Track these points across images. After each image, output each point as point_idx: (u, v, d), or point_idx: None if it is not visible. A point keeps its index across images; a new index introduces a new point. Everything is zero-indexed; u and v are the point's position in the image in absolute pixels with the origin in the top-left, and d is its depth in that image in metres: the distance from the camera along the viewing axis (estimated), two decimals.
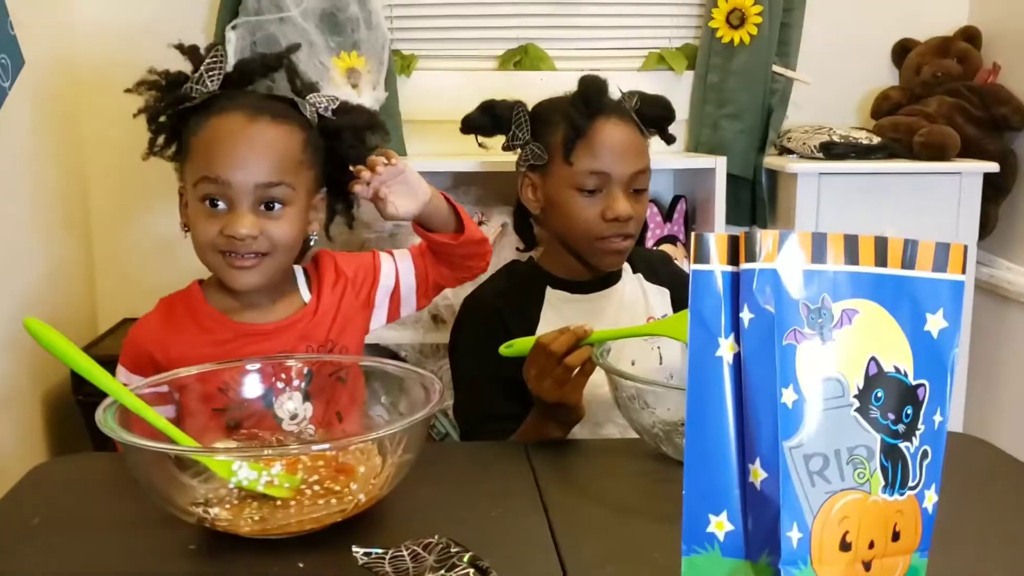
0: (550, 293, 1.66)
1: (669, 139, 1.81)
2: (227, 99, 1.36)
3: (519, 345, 1.38)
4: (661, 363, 1.43)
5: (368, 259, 1.53)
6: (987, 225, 2.48)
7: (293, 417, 1.24)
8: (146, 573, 0.99)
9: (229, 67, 1.39)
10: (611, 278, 1.71)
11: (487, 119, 1.74)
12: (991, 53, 2.64)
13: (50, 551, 1.03)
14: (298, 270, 1.49)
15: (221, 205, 1.33)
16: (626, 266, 1.73)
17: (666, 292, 1.75)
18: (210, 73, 1.34)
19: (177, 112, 1.37)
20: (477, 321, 1.66)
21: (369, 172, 1.37)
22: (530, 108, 1.70)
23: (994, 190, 2.46)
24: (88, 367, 1.05)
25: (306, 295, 1.46)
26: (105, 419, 1.02)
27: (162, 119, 1.39)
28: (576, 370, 1.32)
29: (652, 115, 1.73)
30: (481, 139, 1.78)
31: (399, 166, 1.38)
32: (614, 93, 1.70)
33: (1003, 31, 2.63)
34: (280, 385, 1.24)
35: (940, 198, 2.39)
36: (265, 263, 1.35)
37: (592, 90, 1.64)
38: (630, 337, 1.37)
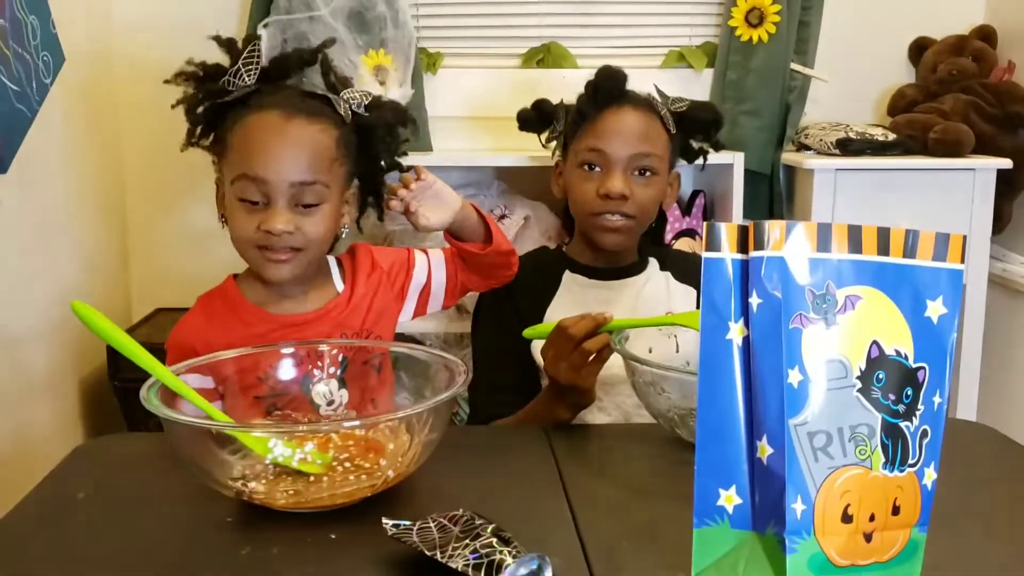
0: (568, 277, 1.71)
1: (717, 146, 1.87)
2: (264, 96, 1.40)
3: (541, 329, 1.43)
4: (678, 351, 1.47)
5: (403, 254, 1.58)
6: (1000, 220, 2.50)
7: (330, 403, 1.29)
8: (188, 542, 1.04)
9: (264, 61, 1.43)
10: (632, 269, 1.75)
11: (534, 114, 1.86)
12: (1006, 52, 2.67)
13: (96, 522, 1.08)
14: (331, 260, 1.53)
15: (258, 201, 1.37)
16: (652, 261, 1.77)
17: (692, 292, 1.77)
18: (247, 67, 1.38)
19: (214, 105, 1.42)
20: (490, 299, 1.73)
21: (404, 189, 1.43)
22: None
23: (1008, 186, 2.48)
24: (132, 348, 1.10)
25: (339, 285, 1.51)
26: (149, 397, 1.07)
27: (200, 110, 1.43)
28: (592, 356, 1.36)
29: (700, 119, 1.78)
30: (543, 139, 1.88)
31: (429, 180, 1.44)
32: (649, 90, 1.76)
33: (1018, 30, 2.66)
34: (317, 373, 1.30)
35: (955, 194, 2.42)
36: (299, 257, 1.40)
37: (602, 79, 1.72)
38: (648, 326, 1.42)
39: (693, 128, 1.78)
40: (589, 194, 1.67)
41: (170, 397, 1.11)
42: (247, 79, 1.39)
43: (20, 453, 2.04)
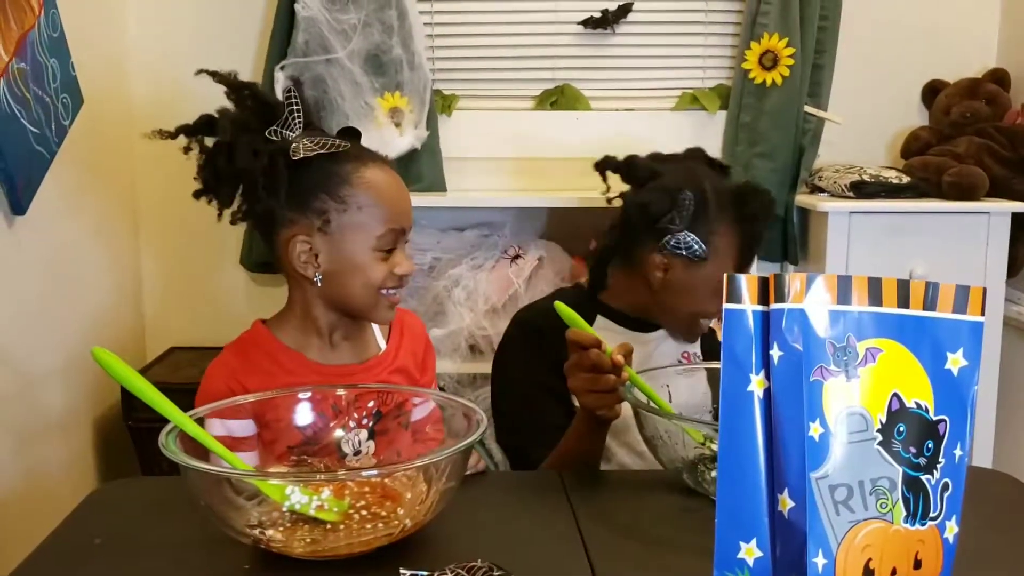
0: (600, 322, 1.69)
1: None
2: (360, 149, 1.41)
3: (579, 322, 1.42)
4: (671, 401, 1.47)
5: (432, 375, 1.60)
6: (1015, 264, 2.49)
7: (356, 453, 1.29)
8: None
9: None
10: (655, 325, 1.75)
11: (637, 174, 1.71)
12: (1019, 94, 2.68)
13: (112, 569, 1.08)
14: None
15: (390, 249, 1.39)
16: None
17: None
18: (293, 116, 1.37)
19: (292, 162, 1.34)
20: (520, 342, 1.71)
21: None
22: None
23: (1022, 230, 2.48)
24: (152, 395, 1.09)
25: (381, 341, 1.51)
26: (167, 443, 1.07)
27: (268, 164, 1.33)
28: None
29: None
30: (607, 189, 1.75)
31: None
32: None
33: None
34: (352, 424, 1.30)
35: (969, 237, 2.42)
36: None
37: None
38: (649, 396, 1.41)
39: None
40: (711, 308, 1.66)
41: (188, 443, 1.11)
42: (296, 128, 1.37)
43: (34, 491, 2.04)
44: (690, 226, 1.61)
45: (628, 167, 1.71)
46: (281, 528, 1.09)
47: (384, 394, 1.34)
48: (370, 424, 1.30)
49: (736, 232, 1.64)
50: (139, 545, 1.14)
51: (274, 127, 1.36)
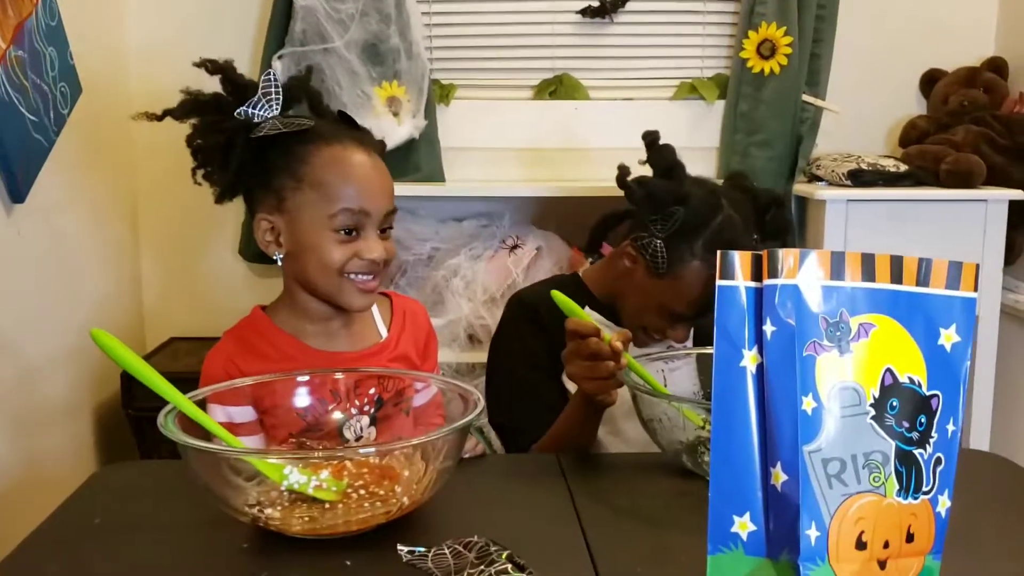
0: (587, 311, 1.70)
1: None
2: (335, 128, 1.39)
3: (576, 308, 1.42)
4: (666, 385, 1.48)
5: (434, 362, 1.59)
6: (1012, 251, 2.50)
7: (358, 438, 1.30)
8: (203, 568, 1.05)
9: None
10: None
11: (654, 159, 1.68)
12: (1017, 83, 2.69)
13: (112, 548, 1.09)
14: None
15: (353, 232, 1.36)
16: None
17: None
18: (267, 98, 1.35)
19: (250, 140, 1.34)
20: (517, 328, 1.72)
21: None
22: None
23: (1020, 217, 2.48)
24: (150, 375, 1.10)
25: (382, 328, 1.50)
26: (166, 423, 1.07)
27: (222, 143, 1.36)
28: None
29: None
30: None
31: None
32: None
33: None
34: (353, 411, 1.31)
35: (966, 225, 2.43)
36: (379, 282, 1.41)
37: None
38: (647, 381, 1.41)
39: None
40: (653, 323, 1.65)
41: (187, 424, 1.11)
42: (273, 108, 1.36)
43: (35, 478, 2.05)
44: (669, 240, 1.60)
45: (655, 151, 1.67)
46: (279, 507, 1.09)
47: (384, 380, 1.35)
48: (372, 411, 1.31)
49: (706, 276, 1.59)
50: (139, 525, 1.15)
51: (242, 108, 1.35)
